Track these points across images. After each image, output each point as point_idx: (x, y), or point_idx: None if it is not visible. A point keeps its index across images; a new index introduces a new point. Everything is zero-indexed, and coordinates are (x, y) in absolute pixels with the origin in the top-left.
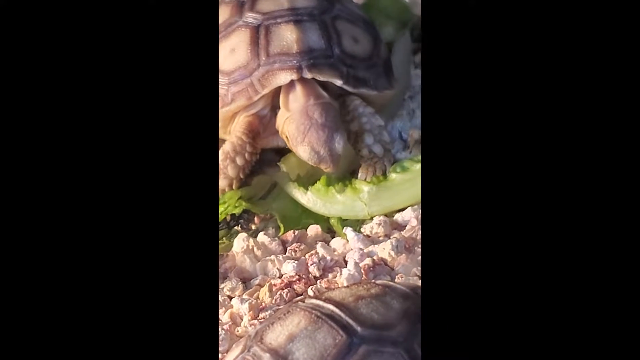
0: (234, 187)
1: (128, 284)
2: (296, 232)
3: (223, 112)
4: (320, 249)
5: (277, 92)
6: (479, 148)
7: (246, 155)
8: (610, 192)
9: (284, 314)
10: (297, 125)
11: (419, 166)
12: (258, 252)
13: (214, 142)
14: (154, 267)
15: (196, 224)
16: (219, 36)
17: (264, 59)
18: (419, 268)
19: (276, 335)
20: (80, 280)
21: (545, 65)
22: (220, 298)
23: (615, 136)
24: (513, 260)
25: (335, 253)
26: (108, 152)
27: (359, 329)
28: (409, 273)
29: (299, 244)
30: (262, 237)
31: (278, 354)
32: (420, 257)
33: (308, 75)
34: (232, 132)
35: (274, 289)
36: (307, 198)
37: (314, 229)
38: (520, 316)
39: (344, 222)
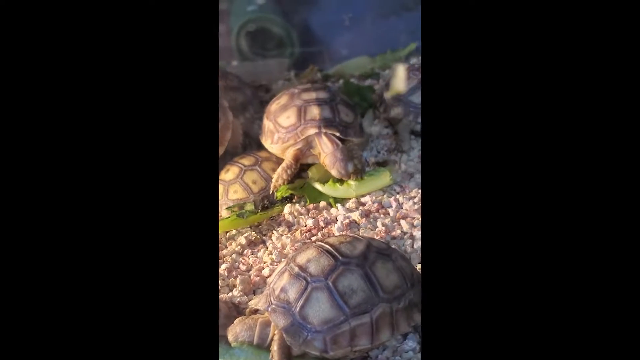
0: (284, 184)
1: (135, 276)
2: (314, 205)
3: (283, 146)
4: (325, 213)
5: (309, 138)
6: (476, 146)
7: (292, 169)
8: (602, 186)
9: (306, 247)
10: (331, 159)
11: (375, 174)
12: (295, 213)
13: (214, 144)
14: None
15: (198, 219)
16: (280, 107)
17: (302, 122)
18: (371, 225)
19: (301, 258)
20: (84, 274)
21: (545, 65)
22: (277, 234)
23: (612, 134)
24: (504, 248)
25: (332, 216)
26: (111, 153)
27: (340, 258)
28: (366, 227)
29: (315, 210)
30: (297, 206)
31: (302, 267)
32: (379, 221)
33: (323, 130)
34: (286, 157)
35: (302, 232)
36: (323, 188)
37: (323, 203)
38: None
39: (337, 200)
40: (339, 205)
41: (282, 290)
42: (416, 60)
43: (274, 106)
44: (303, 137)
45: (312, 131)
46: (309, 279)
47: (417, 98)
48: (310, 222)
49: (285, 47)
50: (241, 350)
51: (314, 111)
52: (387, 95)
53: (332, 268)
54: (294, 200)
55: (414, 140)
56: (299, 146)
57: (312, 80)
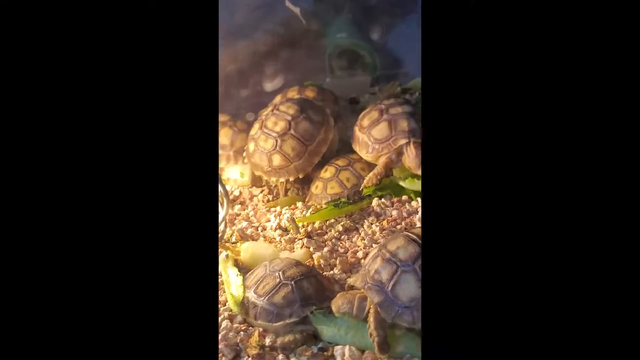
0: (373, 186)
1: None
2: (397, 198)
3: (377, 155)
4: (407, 205)
5: (399, 148)
6: (476, 148)
7: (381, 175)
8: (600, 186)
9: (395, 237)
10: (417, 162)
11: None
12: (382, 205)
13: (215, 144)
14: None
15: (199, 219)
16: (372, 122)
17: (393, 134)
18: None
19: (392, 246)
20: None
21: (546, 66)
22: (367, 223)
23: (612, 136)
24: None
25: (414, 207)
26: (112, 155)
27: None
28: None
29: (398, 203)
30: (383, 199)
31: (392, 253)
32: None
33: (412, 140)
34: (378, 164)
35: (388, 221)
36: (405, 184)
37: (405, 197)
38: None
39: (417, 194)
40: (419, 198)
41: (376, 272)
42: None
43: (365, 120)
44: (396, 147)
45: (402, 142)
46: (399, 264)
47: None
48: (394, 213)
49: (368, 67)
50: (343, 320)
51: (403, 124)
52: None
53: (418, 255)
54: (383, 195)
55: None
56: (389, 154)
57: (393, 94)
